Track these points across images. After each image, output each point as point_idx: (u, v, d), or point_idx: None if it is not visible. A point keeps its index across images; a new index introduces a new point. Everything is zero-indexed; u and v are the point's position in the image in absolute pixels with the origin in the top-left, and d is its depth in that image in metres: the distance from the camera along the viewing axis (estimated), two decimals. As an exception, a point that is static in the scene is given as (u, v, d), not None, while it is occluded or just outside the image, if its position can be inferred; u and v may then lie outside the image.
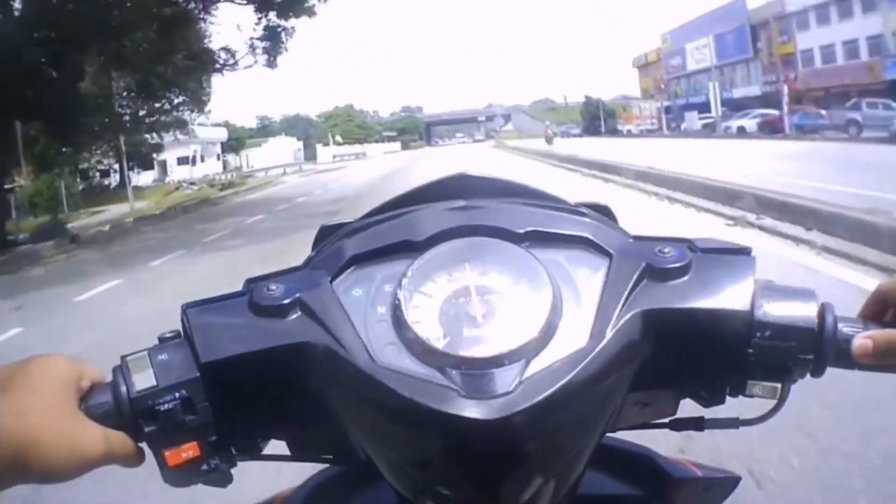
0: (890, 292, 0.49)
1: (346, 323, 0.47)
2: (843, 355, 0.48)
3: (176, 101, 24.96)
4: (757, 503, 2.10)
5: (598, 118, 71.99)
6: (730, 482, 0.67)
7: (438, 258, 0.49)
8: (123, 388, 0.47)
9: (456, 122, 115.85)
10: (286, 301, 0.49)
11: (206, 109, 28.15)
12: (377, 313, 0.47)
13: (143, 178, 41.01)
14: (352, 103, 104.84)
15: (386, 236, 0.53)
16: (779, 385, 0.48)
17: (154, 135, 28.84)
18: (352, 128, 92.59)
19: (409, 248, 0.51)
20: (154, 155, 38.48)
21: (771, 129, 28.67)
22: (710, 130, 36.44)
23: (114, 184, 36.05)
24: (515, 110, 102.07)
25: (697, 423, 0.57)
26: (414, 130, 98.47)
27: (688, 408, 0.57)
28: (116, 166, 33.50)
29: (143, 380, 0.47)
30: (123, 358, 0.48)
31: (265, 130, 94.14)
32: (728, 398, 0.52)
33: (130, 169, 29.57)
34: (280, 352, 0.47)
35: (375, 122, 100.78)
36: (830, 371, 0.50)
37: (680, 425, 0.58)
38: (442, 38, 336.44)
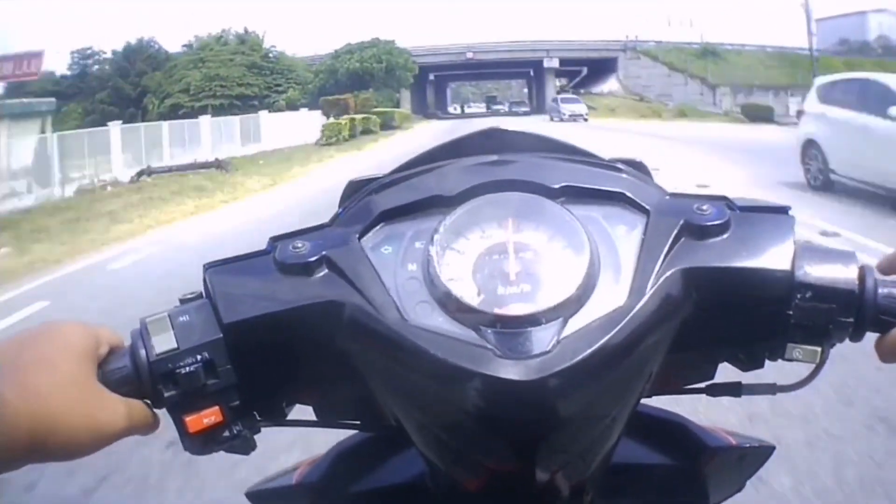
0: None
1: (375, 281, 0.45)
2: (882, 320, 0.46)
3: None
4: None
5: None
6: (764, 451, 0.67)
7: (471, 214, 0.47)
8: (142, 352, 0.45)
9: (491, 69, 59.94)
10: (312, 259, 0.47)
11: None
12: (408, 271, 0.45)
13: None
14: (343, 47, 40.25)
15: (416, 191, 0.51)
16: (819, 349, 0.47)
17: None
18: (236, 73, 37.67)
19: (439, 204, 0.49)
20: None
21: None
22: None
23: None
24: (627, 51, 46.18)
25: (734, 389, 0.56)
26: (388, 82, 40.91)
27: (721, 375, 0.57)
28: None
29: (164, 342, 0.45)
30: (143, 320, 0.46)
31: (84, 78, 40.49)
32: (755, 370, 0.52)
33: None
34: (306, 311, 0.45)
35: (306, 63, 43.67)
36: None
37: (716, 391, 0.56)
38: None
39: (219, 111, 30.33)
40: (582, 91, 46.41)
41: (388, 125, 30.37)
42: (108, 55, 43.09)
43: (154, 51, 43.27)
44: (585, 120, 31.43)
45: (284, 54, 43.23)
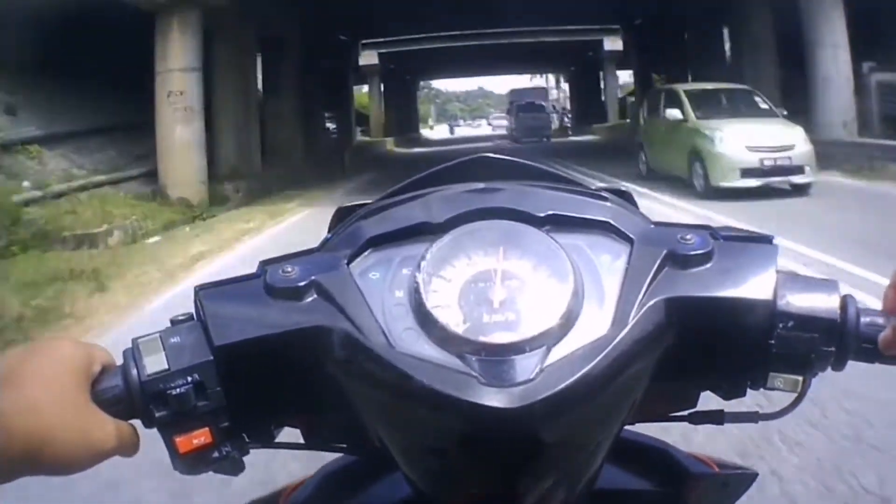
0: None
1: (363, 307, 0.46)
2: (864, 349, 0.47)
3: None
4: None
5: None
6: (747, 478, 0.68)
7: (457, 241, 0.48)
8: (134, 372, 0.46)
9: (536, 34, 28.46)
10: (302, 283, 0.48)
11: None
12: (395, 297, 0.47)
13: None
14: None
15: (404, 218, 0.52)
16: (800, 378, 0.48)
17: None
18: None
19: (427, 231, 0.50)
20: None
21: None
22: None
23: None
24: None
25: (717, 417, 0.57)
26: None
27: (703, 403, 0.58)
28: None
29: (155, 363, 0.46)
30: (135, 340, 0.47)
31: None
32: (742, 396, 0.53)
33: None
34: (295, 335, 0.46)
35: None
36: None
37: (699, 419, 0.58)
38: None
39: None
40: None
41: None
42: None
43: None
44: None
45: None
